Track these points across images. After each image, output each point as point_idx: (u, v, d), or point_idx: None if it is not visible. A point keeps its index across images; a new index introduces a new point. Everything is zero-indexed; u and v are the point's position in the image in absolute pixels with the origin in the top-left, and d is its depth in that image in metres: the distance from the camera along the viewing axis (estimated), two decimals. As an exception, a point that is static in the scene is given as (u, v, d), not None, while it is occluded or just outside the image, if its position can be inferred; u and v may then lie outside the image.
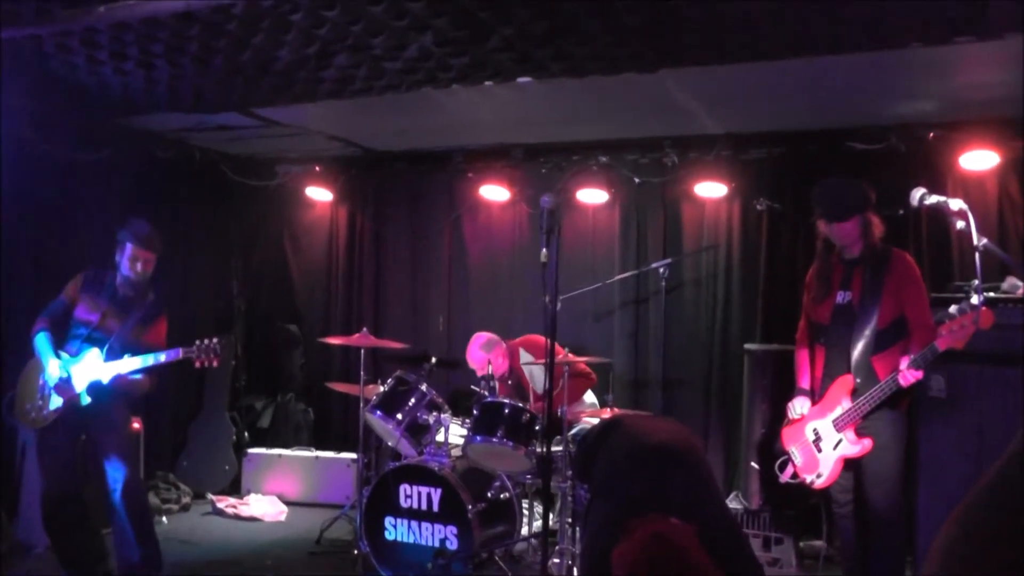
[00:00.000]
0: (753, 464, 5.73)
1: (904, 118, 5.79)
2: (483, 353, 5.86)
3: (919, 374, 4.09)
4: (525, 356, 5.87)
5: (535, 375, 5.78)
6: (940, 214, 3.89)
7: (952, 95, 5.26)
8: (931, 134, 5.83)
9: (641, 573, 2.57)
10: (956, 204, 3.84)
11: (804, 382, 4.62)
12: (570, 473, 5.08)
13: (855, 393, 4.29)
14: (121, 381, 4.79)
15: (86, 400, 4.73)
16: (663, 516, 2.79)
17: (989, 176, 5.79)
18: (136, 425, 6.27)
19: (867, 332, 4.32)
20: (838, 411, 4.33)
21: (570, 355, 5.40)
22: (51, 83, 5.12)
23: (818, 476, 4.39)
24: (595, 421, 5.58)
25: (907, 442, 4.39)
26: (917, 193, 4.05)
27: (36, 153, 5.91)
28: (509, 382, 5.91)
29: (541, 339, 5.82)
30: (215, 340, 4.77)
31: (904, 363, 4.10)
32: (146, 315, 4.94)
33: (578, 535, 5.23)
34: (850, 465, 4.35)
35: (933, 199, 3.93)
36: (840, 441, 4.31)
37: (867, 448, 4.26)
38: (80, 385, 4.73)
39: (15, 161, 5.76)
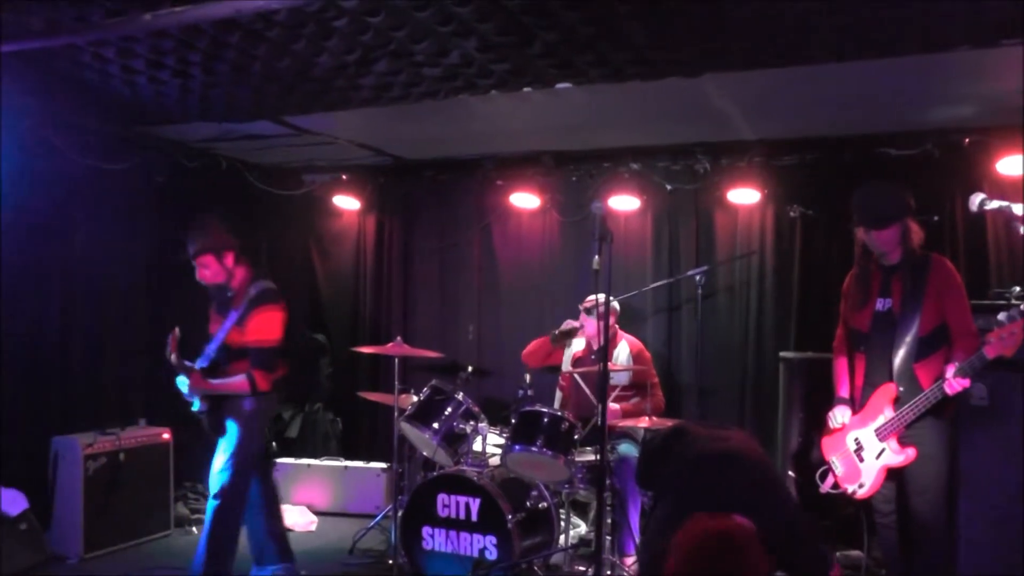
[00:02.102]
0: (790, 473, 5.67)
1: (940, 123, 5.73)
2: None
3: (966, 382, 4.04)
4: (623, 349, 5.89)
5: (617, 374, 5.74)
6: (1003, 219, 3.85)
7: (989, 100, 5.19)
8: (967, 139, 5.78)
9: (693, 564, 2.54)
10: (1020, 208, 3.79)
11: (843, 391, 4.59)
12: (609, 482, 5.04)
13: (898, 402, 4.25)
14: (218, 395, 4.82)
15: (196, 407, 4.85)
16: (725, 513, 2.76)
17: (1027, 182, 5.72)
18: (166, 436, 6.28)
19: (908, 339, 4.28)
20: (880, 420, 4.28)
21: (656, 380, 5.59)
22: (83, 92, 5.11)
23: (860, 486, 4.35)
24: (634, 431, 5.58)
25: (952, 452, 4.34)
26: (977, 198, 4.01)
27: (63, 161, 5.90)
28: (592, 356, 5.87)
29: (647, 353, 5.93)
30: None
31: (951, 371, 4.05)
32: (242, 314, 4.80)
33: (616, 542, 5.21)
34: (893, 475, 4.31)
35: (995, 204, 3.89)
36: (883, 450, 4.27)
37: (911, 457, 4.21)
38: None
39: (42, 169, 5.79)
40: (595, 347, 5.85)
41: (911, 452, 4.21)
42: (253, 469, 4.96)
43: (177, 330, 4.69)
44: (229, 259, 4.85)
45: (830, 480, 4.49)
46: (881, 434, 4.27)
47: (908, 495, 4.31)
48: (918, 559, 4.34)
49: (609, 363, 5.59)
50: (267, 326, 4.79)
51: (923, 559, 4.31)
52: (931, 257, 4.38)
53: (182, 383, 4.78)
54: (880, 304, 4.43)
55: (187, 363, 4.76)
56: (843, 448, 4.44)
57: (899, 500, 4.38)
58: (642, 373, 5.71)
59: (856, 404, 4.49)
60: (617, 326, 5.97)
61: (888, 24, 3.72)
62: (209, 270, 4.83)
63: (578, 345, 6.05)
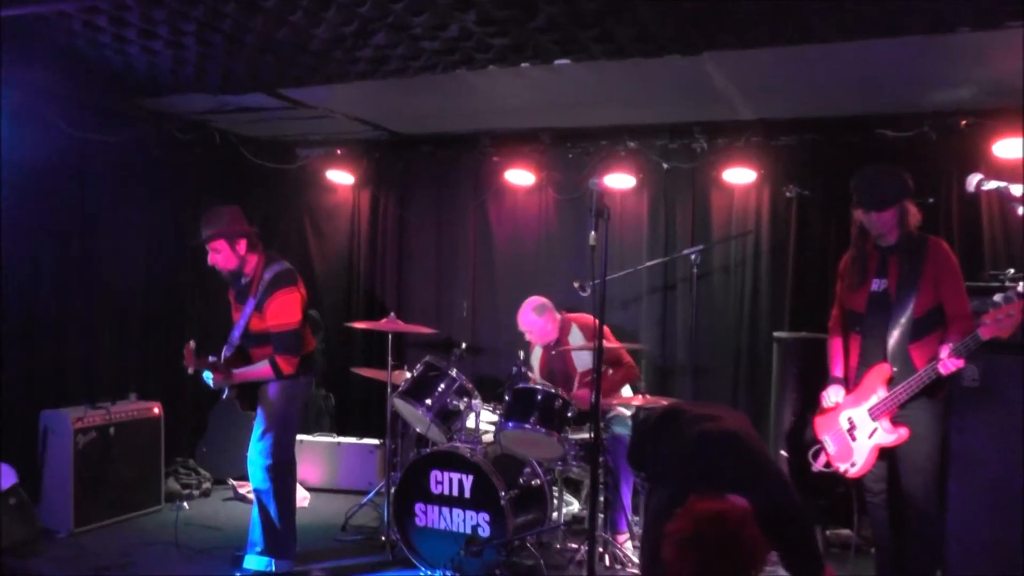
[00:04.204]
0: (782, 453, 5.68)
1: (937, 105, 5.71)
2: (535, 316, 5.71)
3: (960, 362, 4.06)
4: (576, 335, 5.77)
5: (581, 357, 5.70)
6: (999, 200, 3.84)
7: (988, 82, 5.18)
8: (963, 121, 5.76)
9: (689, 550, 2.56)
10: (1018, 189, 3.79)
11: (838, 370, 4.60)
12: (603, 460, 5.03)
13: (891, 382, 4.26)
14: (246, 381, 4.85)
15: (224, 394, 4.94)
16: (720, 495, 2.77)
17: (1024, 164, 5.71)
18: (156, 411, 6.26)
19: (903, 320, 4.29)
20: (874, 399, 4.30)
21: (622, 346, 5.41)
22: (75, 62, 5.05)
23: (852, 465, 4.37)
24: (627, 410, 5.57)
25: (944, 432, 4.35)
26: (974, 179, 4.00)
27: (55, 133, 5.85)
28: (553, 352, 5.80)
29: (593, 321, 5.82)
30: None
31: (945, 351, 4.06)
32: (260, 300, 4.80)
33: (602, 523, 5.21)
34: (884, 454, 4.33)
35: (992, 184, 3.89)
36: (875, 430, 4.28)
37: (903, 437, 4.23)
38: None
39: (34, 141, 5.73)
40: (552, 347, 5.80)
41: (903, 432, 4.23)
42: (292, 451, 5.04)
43: (192, 342, 4.68)
44: (241, 246, 4.86)
45: (822, 459, 4.51)
46: (874, 413, 4.28)
47: (900, 475, 4.33)
48: (908, 538, 4.37)
49: (568, 348, 5.59)
50: (285, 310, 4.79)
51: (913, 538, 4.35)
52: (928, 239, 4.38)
53: (207, 378, 4.80)
54: (876, 285, 4.44)
55: (210, 358, 4.76)
56: (836, 427, 4.45)
57: (890, 480, 4.41)
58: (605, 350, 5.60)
59: (850, 384, 4.50)
60: (555, 315, 5.81)
61: (892, 4, 3.70)
62: (221, 255, 4.84)
63: (538, 356, 5.98)
